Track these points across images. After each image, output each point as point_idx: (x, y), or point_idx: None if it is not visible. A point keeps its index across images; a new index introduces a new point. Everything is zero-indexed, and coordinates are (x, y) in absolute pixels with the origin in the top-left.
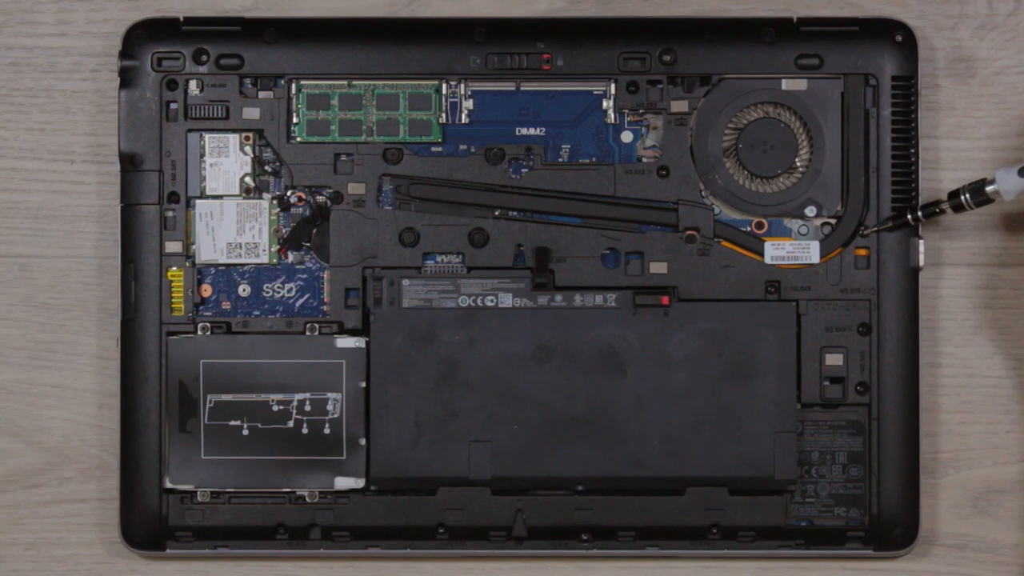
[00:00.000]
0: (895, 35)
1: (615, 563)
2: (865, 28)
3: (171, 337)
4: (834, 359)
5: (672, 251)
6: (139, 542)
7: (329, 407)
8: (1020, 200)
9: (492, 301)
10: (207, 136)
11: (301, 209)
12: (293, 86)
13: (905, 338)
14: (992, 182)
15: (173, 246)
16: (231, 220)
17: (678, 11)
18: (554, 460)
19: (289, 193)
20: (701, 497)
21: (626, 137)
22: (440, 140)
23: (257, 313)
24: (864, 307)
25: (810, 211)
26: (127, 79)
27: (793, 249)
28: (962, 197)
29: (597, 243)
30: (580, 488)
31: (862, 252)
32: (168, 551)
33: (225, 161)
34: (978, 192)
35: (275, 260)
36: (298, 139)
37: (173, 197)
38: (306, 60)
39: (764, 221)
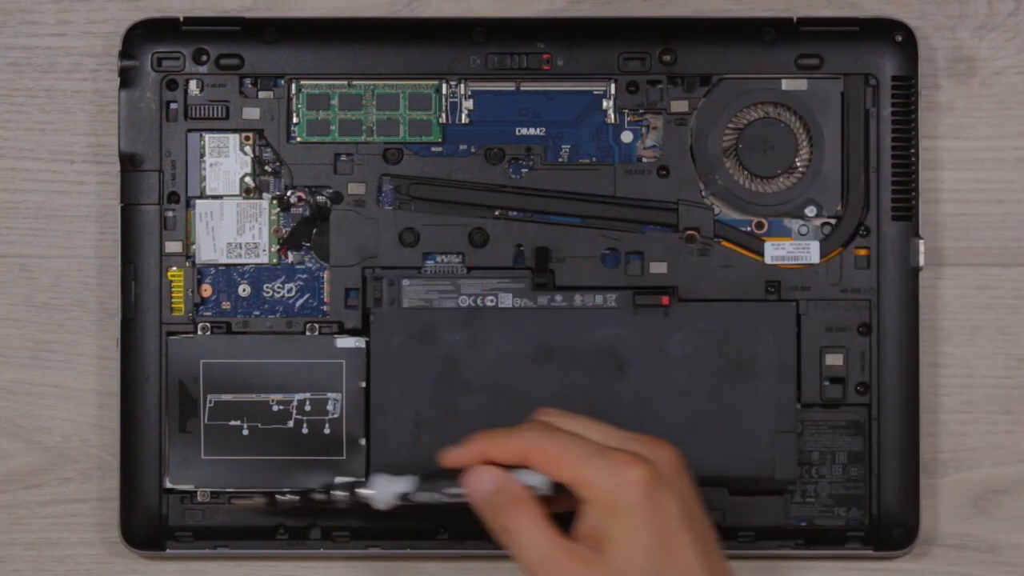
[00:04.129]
0: (895, 35)
1: None
2: (865, 28)
3: (171, 337)
4: (834, 359)
5: (672, 251)
6: (139, 542)
7: (329, 407)
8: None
9: (492, 301)
10: (207, 136)
11: (301, 209)
12: (293, 86)
13: (905, 338)
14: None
15: (173, 246)
16: (231, 220)
17: (678, 11)
18: None
19: (289, 193)
20: (701, 497)
21: (626, 137)
22: (440, 140)
23: (257, 313)
24: (864, 307)
25: (810, 211)
26: (127, 79)
27: (793, 249)
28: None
29: (597, 243)
30: None
31: (862, 252)
32: (168, 551)
33: (225, 161)
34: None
35: (275, 260)
36: (298, 139)
37: (173, 197)
38: (306, 60)
39: (764, 221)
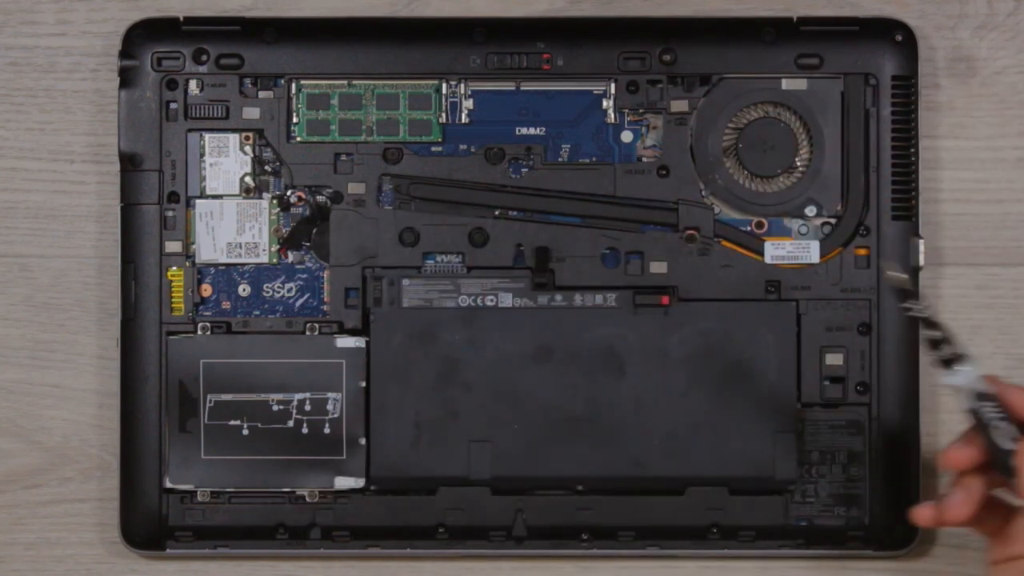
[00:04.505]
0: (895, 35)
1: (615, 563)
2: (865, 28)
3: (171, 337)
4: (834, 359)
5: (672, 251)
6: (139, 542)
7: (329, 407)
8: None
9: (492, 301)
10: (207, 136)
11: (301, 209)
12: (293, 86)
13: (905, 338)
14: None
15: (173, 246)
16: (231, 220)
17: (678, 11)
18: (554, 460)
19: (289, 193)
20: (701, 497)
21: (626, 137)
22: (440, 140)
23: (257, 313)
24: (864, 307)
25: (810, 211)
26: (127, 79)
27: (793, 249)
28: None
29: (597, 243)
30: (580, 488)
31: (862, 252)
32: (168, 551)
33: (225, 161)
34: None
35: (275, 260)
36: (298, 139)
37: (173, 197)
38: (306, 60)
39: (764, 221)
